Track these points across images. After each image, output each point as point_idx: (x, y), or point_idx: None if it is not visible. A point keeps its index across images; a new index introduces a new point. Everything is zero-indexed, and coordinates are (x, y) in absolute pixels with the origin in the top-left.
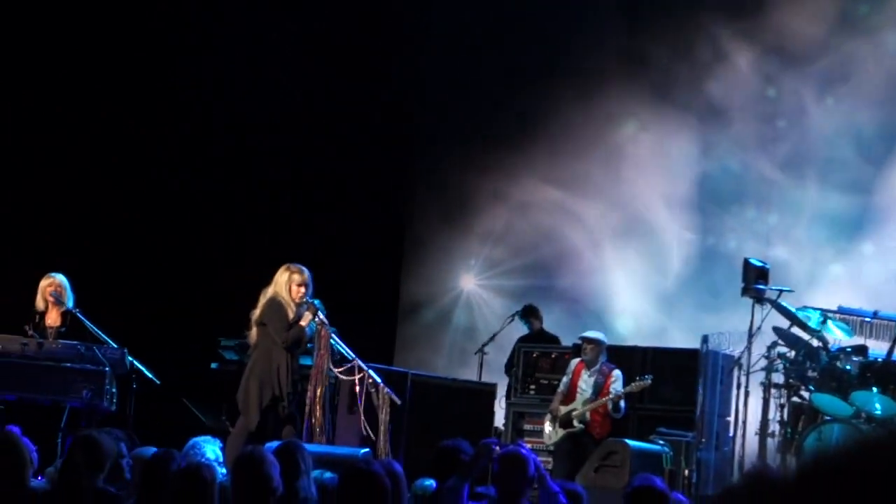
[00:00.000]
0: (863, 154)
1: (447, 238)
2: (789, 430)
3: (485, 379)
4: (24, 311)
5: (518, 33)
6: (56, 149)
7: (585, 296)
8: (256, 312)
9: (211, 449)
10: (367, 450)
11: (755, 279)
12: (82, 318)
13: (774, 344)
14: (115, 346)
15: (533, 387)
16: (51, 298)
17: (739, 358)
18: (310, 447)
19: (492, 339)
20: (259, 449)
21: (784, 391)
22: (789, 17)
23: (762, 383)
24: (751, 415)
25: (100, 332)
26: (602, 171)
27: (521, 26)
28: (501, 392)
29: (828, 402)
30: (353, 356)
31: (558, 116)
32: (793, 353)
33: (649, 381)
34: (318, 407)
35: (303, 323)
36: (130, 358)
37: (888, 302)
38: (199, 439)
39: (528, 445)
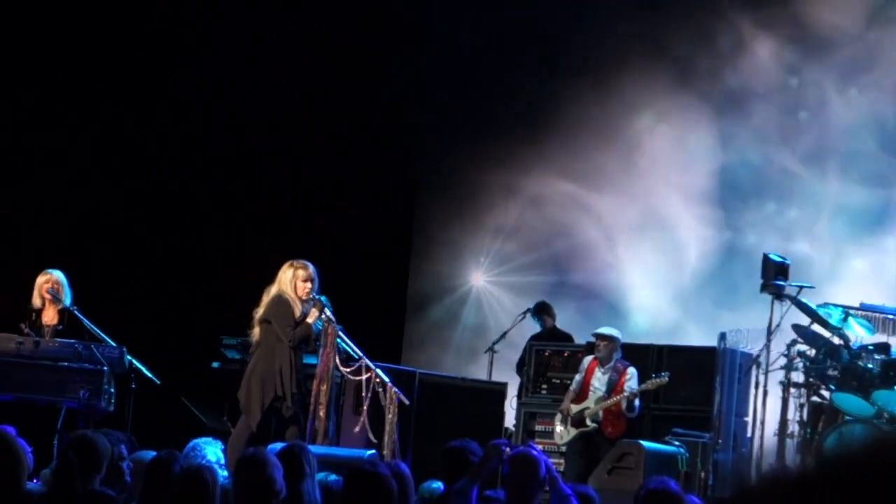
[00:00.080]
0: (886, 146)
1: (456, 233)
2: (809, 430)
3: (495, 378)
4: (22, 310)
5: (531, 19)
6: (56, 148)
7: (599, 292)
8: (260, 310)
9: (212, 450)
10: (372, 451)
11: (775, 275)
12: (80, 315)
13: (794, 342)
14: (113, 344)
15: (545, 386)
16: (48, 296)
17: (758, 356)
18: (314, 449)
19: (502, 336)
20: (262, 450)
21: (804, 390)
22: (811, 5)
23: (781, 382)
24: (769, 415)
25: (98, 331)
26: (617, 164)
27: (534, 12)
28: (512, 392)
29: (849, 401)
30: (361, 354)
31: (572, 107)
32: (813, 351)
33: (666, 379)
34: (322, 407)
35: (310, 320)
36: (129, 357)
37: None
38: (200, 440)
39: (540, 447)
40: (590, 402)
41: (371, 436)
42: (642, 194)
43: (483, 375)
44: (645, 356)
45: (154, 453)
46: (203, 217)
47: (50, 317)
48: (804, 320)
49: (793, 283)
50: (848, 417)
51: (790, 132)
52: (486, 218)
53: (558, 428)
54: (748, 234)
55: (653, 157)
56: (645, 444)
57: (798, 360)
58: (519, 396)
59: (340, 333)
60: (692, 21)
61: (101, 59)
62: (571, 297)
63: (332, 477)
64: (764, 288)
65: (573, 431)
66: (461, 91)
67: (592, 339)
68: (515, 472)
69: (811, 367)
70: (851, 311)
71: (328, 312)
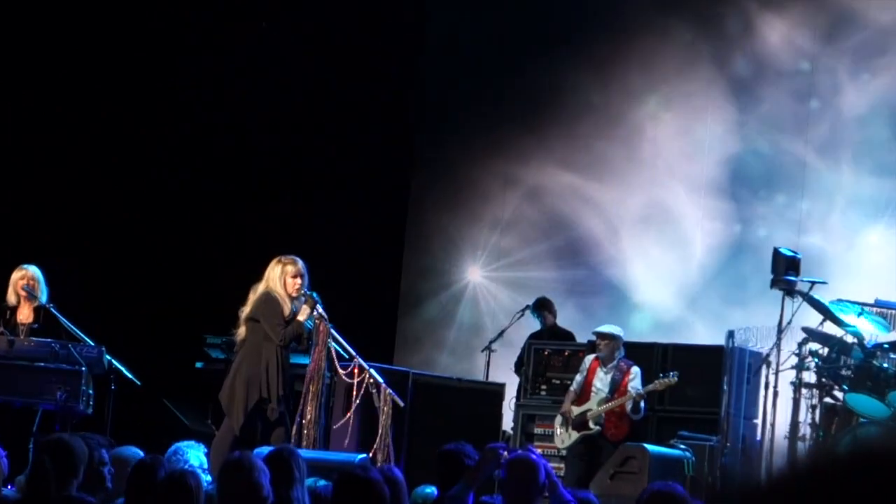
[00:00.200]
0: None
1: (451, 226)
2: (822, 433)
3: (492, 378)
4: None
5: (531, 4)
6: (50, 146)
7: (601, 288)
8: (247, 308)
9: (195, 454)
10: (364, 455)
11: (785, 270)
12: (57, 313)
13: (805, 340)
14: (92, 344)
15: (544, 387)
16: (23, 292)
17: (768, 355)
18: (303, 453)
19: (500, 335)
20: (248, 455)
21: (816, 391)
22: None
23: (792, 383)
24: (780, 417)
25: (76, 329)
26: (620, 153)
27: None
28: (510, 393)
29: (863, 402)
30: (354, 354)
31: (573, 94)
32: (825, 350)
33: (675, 379)
34: (311, 408)
35: (301, 317)
36: (108, 357)
37: None
38: (182, 444)
39: (539, 450)
40: (592, 404)
41: (348, 437)
42: (646, 185)
43: (480, 376)
44: (649, 355)
45: (135, 449)
46: (185, 213)
47: (25, 315)
48: (814, 322)
49: (804, 279)
50: (862, 419)
51: (802, 120)
52: (483, 210)
53: (559, 431)
54: (758, 226)
55: (657, 146)
56: (649, 447)
57: (810, 359)
58: (517, 398)
59: (332, 332)
60: (697, 3)
61: (100, 60)
62: (572, 293)
63: (322, 482)
64: (774, 283)
65: (575, 435)
66: (457, 77)
67: (593, 338)
68: (513, 476)
69: (824, 367)
70: (866, 308)
71: (320, 309)
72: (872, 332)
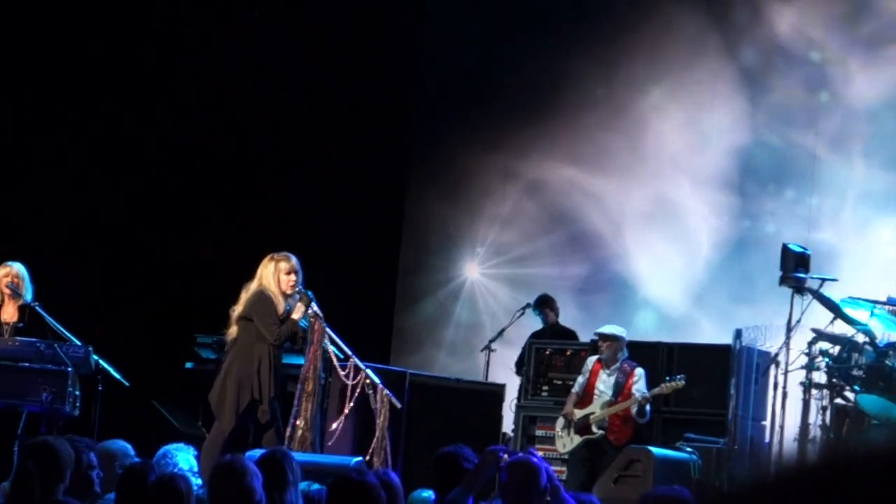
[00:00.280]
0: None
1: (449, 221)
2: (832, 435)
3: (492, 379)
4: None
5: None
6: (41, 144)
7: (604, 285)
8: (239, 308)
9: (184, 457)
10: (359, 458)
11: (795, 266)
12: (42, 312)
13: (816, 339)
14: (78, 343)
15: (546, 388)
16: (7, 290)
17: (777, 355)
18: (296, 456)
19: (500, 334)
20: (239, 458)
21: (826, 392)
22: None
23: (802, 383)
24: (789, 418)
25: (62, 329)
26: (623, 146)
27: None
28: (511, 394)
29: (875, 403)
30: (350, 354)
31: (574, 85)
32: (836, 349)
33: (682, 382)
34: (306, 410)
35: (296, 316)
36: (96, 357)
37: None
38: (172, 447)
39: (540, 453)
40: (595, 407)
41: (343, 440)
42: (651, 179)
43: (479, 376)
44: (654, 355)
45: (121, 443)
46: (176, 210)
47: (9, 313)
48: (826, 316)
49: (814, 276)
50: (875, 421)
51: (812, 111)
52: (482, 204)
53: (560, 434)
54: (766, 222)
55: (662, 139)
56: (654, 450)
57: (820, 358)
58: (518, 399)
59: (328, 330)
60: None
61: (100, 58)
62: (573, 290)
63: (315, 486)
64: (783, 281)
65: (577, 439)
66: (455, 67)
67: (596, 338)
68: (514, 480)
69: (834, 367)
70: (878, 306)
71: (315, 307)
72: (885, 330)
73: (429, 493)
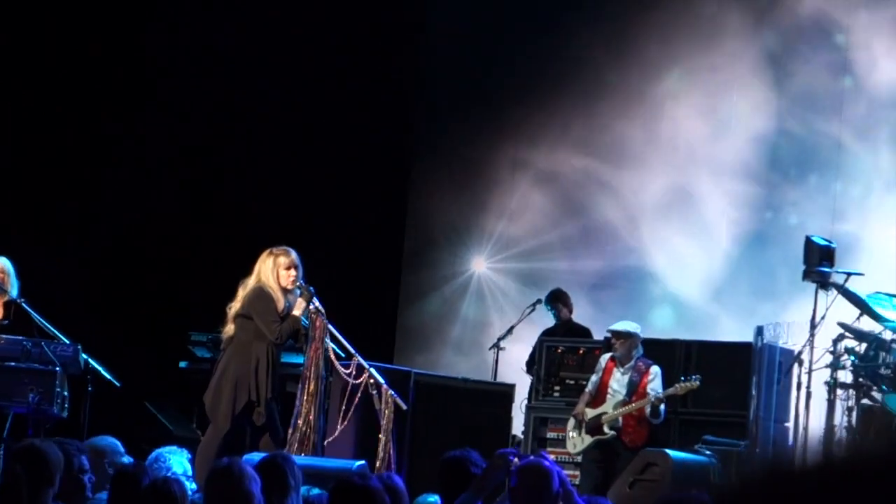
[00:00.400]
0: None
1: (455, 214)
2: (858, 437)
3: (501, 379)
4: None
5: None
6: (31, 140)
7: (618, 281)
8: (236, 305)
9: (178, 461)
10: (362, 462)
11: (819, 260)
12: (29, 309)
13: (841, 337)
14: (67, 341)
15: (557, 388)
16: None
17: (800, 353)
18: (296, 459)
19: (509, 331)
20: (237, 461)
21: (852, 392)
22: None
23: (827, 383)
24: (813, 420)
25: (49, 326)
26: (638, 135)
27: None
28: (521, 394)
29: None
30: (354, 352)
31: (586, 70)
32: (862, 347)
33: (697, 383)
34: (307, 411)
35: (297, 312)
36: (85, 356)
37: None
38: (165, 450)
39: (552, 456)
40: (607, 407)
41: (345, 442)
42: (667, 168)
43: (487, 376)
44: (671, 354)
45: (111, 439)
46: (170, 204)
47: None
48: (852, 312)
49: (839, 270)
50: None
51: (836, 97)
52: (489, 196)
53: (571, 434)
54: (788, 213)
55: (678, 126)
56: (671, 453)
57: (846, 357)
58: (528, 399)
59: (330, 327)
60: None
61: (100, 59)
62: (585, 286)
63: (315, 491)
64: (807, 275)
65: (588, 439)
66: (461, 53)
67: (609, 335)
68: (525, 485)
69: (861, 366)
70: None
71: (316, 303)
72: None
73: (435, 499)
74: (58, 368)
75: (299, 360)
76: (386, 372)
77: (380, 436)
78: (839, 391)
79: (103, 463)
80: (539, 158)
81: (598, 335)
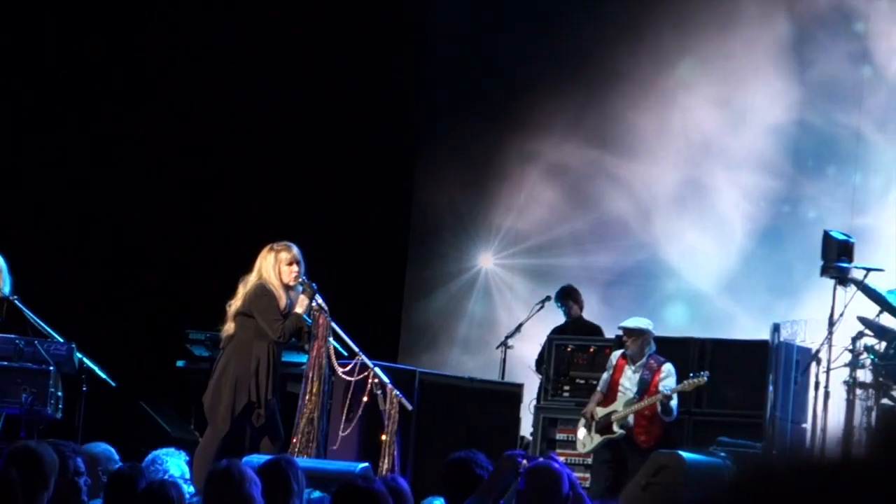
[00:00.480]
0: None
1: (462, 208)
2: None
3: (509, 378)
4: None
5: None
6: (28, 139)
7: (630, 276)
8: (237, 302)
9: (175, 463)
10: (366, 464)
11: (837, 255)
12: (22, 306)
13: (861, 334)
14: (61, 340)
15: (567, 388)
16: None
17: (818, 351)
18: (299, 462)
19: (518, 329)
20: (237, 464)
21: (872, 391)
22: None
23: (846, 382)
24: (832, 420)
25: (43, 324)
26: (650, 126)
27: None
28: (529, 394)
29: None
30: (357, 350)
31: (597, 59)
32: (882, 345)
33: (705, 379)
34: (310, 412)
35: (299, 309)
36: (79, 354)
37: None
38: (162, 452)
39: (562, 458)
40: (618, 405)
41: (349, 444)
42: (680, 161)
43: (495, 375)
44: (685, 352)
45: (105, 446)
46: (168, 200)
47: None
48: (872, 310)
49: (858, 265)
50: None
51: (856, 87)
52: (497, 189)
53: (580, 433)
54: (806, 207)
55: (692, 117)
56: (685, 454)
57: (865, 355)
58: (537, 399)
59: (333, 325)
60: None
61: (100, 59)
62: (596, 282)
63: (316, 494)
64: (825, 271)
65: (597, 438)
66: (468, 43)
67: (620, 333)
68: (534, 487)
69: (881, 364)
70: None
71: (319, 300)
72: None
73: (439, 501)
74: (52, 368)
75: (300, 359)
76: (391, 371)
77: (384, 437)
78: (858, 390)
79: (97, 471)
80: (548, 151)
81: (610, 333)
